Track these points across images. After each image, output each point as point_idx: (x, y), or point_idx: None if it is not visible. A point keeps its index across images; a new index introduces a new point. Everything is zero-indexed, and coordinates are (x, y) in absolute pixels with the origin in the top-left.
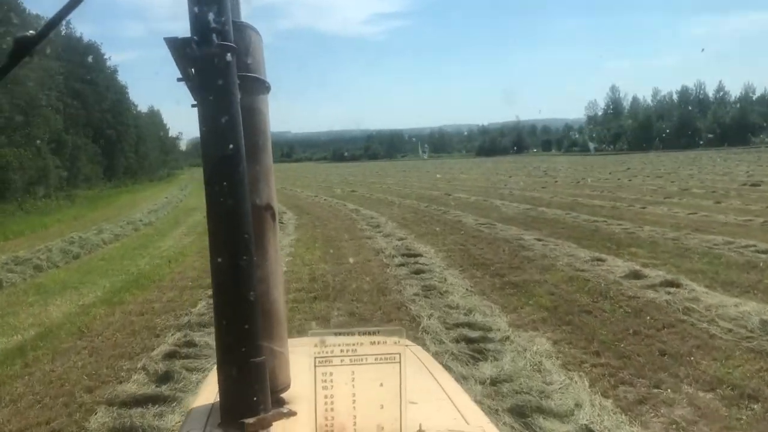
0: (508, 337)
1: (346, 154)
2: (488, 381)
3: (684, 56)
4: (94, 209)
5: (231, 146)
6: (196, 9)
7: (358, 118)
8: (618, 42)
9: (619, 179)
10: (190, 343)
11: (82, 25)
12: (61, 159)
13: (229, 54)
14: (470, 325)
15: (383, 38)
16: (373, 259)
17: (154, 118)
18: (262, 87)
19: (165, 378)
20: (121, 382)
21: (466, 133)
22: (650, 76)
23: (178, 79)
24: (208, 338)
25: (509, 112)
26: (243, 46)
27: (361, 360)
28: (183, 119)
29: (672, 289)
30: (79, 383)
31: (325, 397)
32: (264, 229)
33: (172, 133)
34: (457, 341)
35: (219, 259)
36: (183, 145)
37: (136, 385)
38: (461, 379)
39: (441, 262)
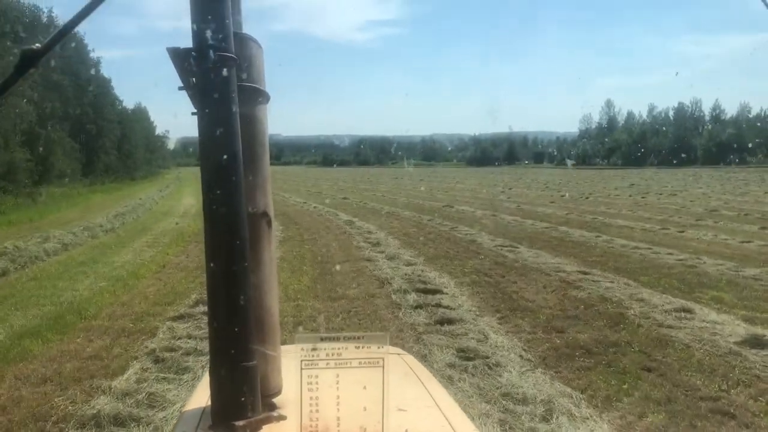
0: None
1: (335, 159)
2: None
3: (673, 74)
4: (57, 210)
5: (228, 155)
6: (198, 20)
7: (349, 124)
8: (610, 58)
9: (630, 196)
10: None
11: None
12: (33, 153)
13: (229, 65)
14: None
15: (376, 45)
16: (377, 293)
17: (140, 115)
18: (262, 97)
19: None
20: None
21: (451, 146)
22: (642, 92)
23: (180, 88)
24: None
25: (500, 123)
26: (244, 57)
27: (346, 363)
28: (171, 118)
29: None
30: None
31: (311, 399)
32: (260, 236)
33: (159, 131)
34: None
35: (214, 264)
36: (171, 144)
37: None
38: None
39: (469, 302)
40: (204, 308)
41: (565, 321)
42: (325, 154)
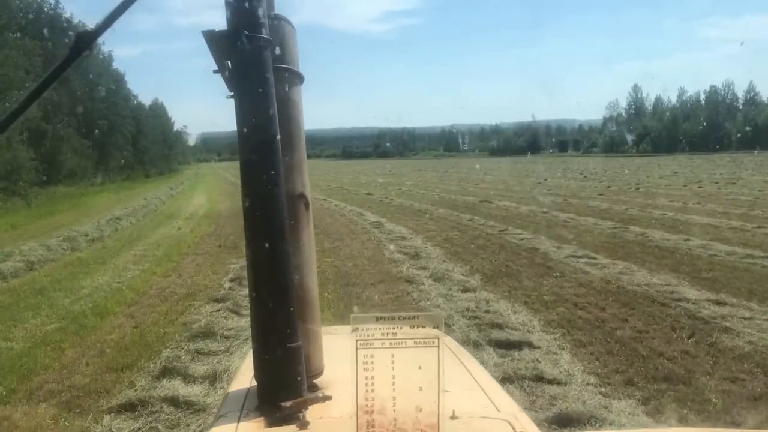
0: None
1: (355, 151)
2: None
3: (697, 58)
4: (50, 213)
5: (266, 137)
6: (232, 3)
7: (368, 116)
8: (631, 43)
9: (685, 185)
10: None
11: (91, 18)
12: (38, 151)
13: (263, 47)
14: None
15: (394, 36)
16: None
17: (157, 110)
18: (296, 78)
19: None
20: None
21: (472, 136)
22: (664, 77)
23: (215, 71)
24: None
25: (521, 112)
26: (278, 39)
27: (401, 344)
28: (191, 114)
29: None
30: None
31: (366, 378)
32: (298, 217)
33: (177, 126)
34: None
35: (255, 247)
36: (191, 140)
37: None
38: None
39: (580, 366)
40: (172, 383)
41: (764, 409)
42: (344, 146)
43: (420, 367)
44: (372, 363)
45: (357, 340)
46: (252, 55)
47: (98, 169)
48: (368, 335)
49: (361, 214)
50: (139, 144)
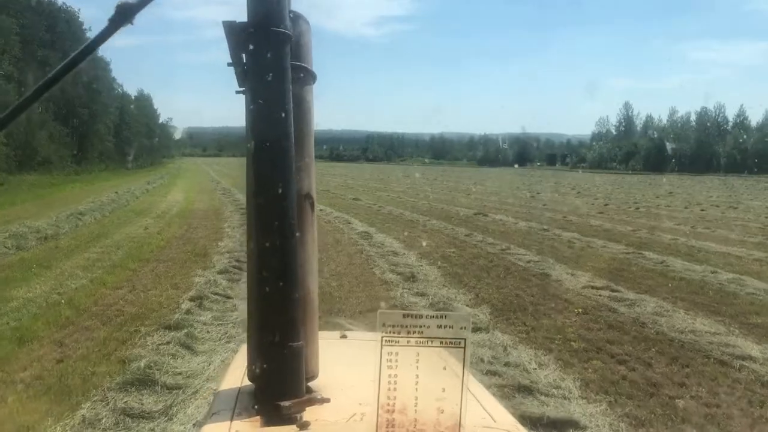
0: None
1: (343, 154)
2: None
3: (684, 80)
4: (10, 204)
5: (280, 134)
6: None
7: (358, 120)
8: (620, 61)
9: (686, 207)
10: None
11: (84, 6)
12: (10, 137)
13: (285, 42)
14: None
15: (387, 41)
16: None
17: (143, 102)
18: (309, 77)
19: None
20: None
21: (461, 145)
22: (653, 97)
23: (228, 64)
24: None
25: (510, 123)
26: (294, 35)
27: (427, 342)
28: (176, 107)
29: None
30: None
31: (389, 376)
32: (303, 216)
33: (163, 119)
34: None
35: (263, 244)
36: (177, 134)
37: None
38: None
39: None
40: None
41: None
42: (332, 148)
43: (444, 368)
44: (396, 361)
45: (383, 337)
46: (271, 49)
47: (77, 159)
48: (395, 332)
49: (348, 221)
50: (121, 134)
